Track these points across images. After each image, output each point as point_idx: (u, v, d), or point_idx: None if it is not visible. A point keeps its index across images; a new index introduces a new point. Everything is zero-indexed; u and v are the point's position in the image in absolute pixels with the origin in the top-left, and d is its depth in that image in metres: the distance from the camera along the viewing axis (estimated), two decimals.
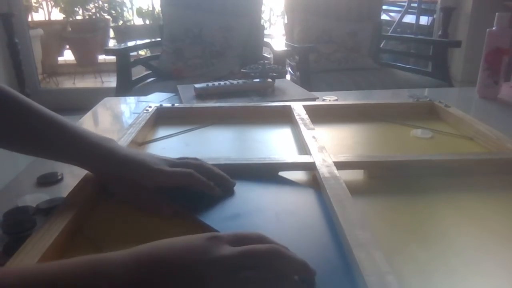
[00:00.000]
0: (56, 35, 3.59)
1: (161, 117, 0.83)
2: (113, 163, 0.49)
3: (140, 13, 3.56)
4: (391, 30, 3.26)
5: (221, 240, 0.34)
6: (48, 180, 0.58)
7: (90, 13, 3.58)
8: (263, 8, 2.35)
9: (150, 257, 0.32)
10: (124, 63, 1.87)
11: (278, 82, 1.08)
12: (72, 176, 0.59)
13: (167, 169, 0.48)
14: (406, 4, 3.29)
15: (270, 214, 0.46)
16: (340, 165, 0.54)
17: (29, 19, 3.42)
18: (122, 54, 1.87)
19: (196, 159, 0.53)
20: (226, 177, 0.51)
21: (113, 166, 0.49)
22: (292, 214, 0.46)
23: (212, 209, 0.47)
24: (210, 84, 1.01)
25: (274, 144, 0.70)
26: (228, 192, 0.50)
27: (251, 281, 0.31)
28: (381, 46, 2.41)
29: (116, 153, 0.49)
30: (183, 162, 0.51)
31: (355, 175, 0.57)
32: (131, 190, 0.48)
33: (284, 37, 2.41)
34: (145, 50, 2.92)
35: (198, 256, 0.32)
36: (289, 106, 0.83)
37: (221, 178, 0.51)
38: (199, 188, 0.48)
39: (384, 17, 3.27)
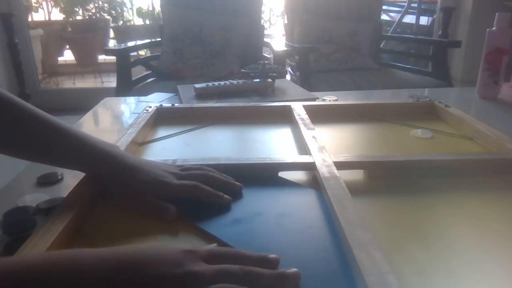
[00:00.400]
0: (56, 35, 3.59)
1: (161, 117, 0.83)
2: (119, 170, 0.49)
3: (140, 13, 3.56)
4: (391, 30, 3.27)
5: (196, 255, 0.34)
6: (48, 180, 0.58)
7: (90, 13, 3.58)
8: (263, 8, 2.35)
9: (125, 260, 0.32)
10: (124, 63, 1.87)
11: (278, 82, 1.08)
12: (72, 176, 0.59)
13: (174, 182, 0.48)
14: (406, 4, 3.30)
15: (270, 217, 0.46)
16: (340, 165, 0.54)
17: (29, 19, 3.42)
18: (122, 54, 1.87)
19: (200, 168, 0.52)
20: (231, 183, 0.51)
21: (119, 174, 0.49)
22: (292, 215, 0.46)
23: (212, 216, 0.46)
24: (210, 84, 1.01)
25: (274, 144, 0.70)
26: (236, 196, 0.50)
27: None
28: (381, 46, 2.41)
29: (123, 161, 0.49)
30: (188, 174, 0.51)
31: (355, 175, 0.57)
32: (135, 198, 0.48)
33: (284, 37, 2.41)
34: (145, 50, 2.92)
35: (172, 268, 0.32)
36: (289, 106, 0.83)
37: (227, 184, 0.51)
38: (207, 200, 0.48)
39: (384, 17, 3.27)
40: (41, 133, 0.48)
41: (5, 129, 0.47)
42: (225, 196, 0.49)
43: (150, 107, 0.83)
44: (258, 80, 1.05)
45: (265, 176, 0.55)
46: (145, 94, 1.10)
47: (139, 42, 2.14)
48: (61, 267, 0.30)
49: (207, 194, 0.48)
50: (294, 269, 0.35)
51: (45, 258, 0.31)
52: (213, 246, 0.40)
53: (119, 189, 0.49)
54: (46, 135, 0.48)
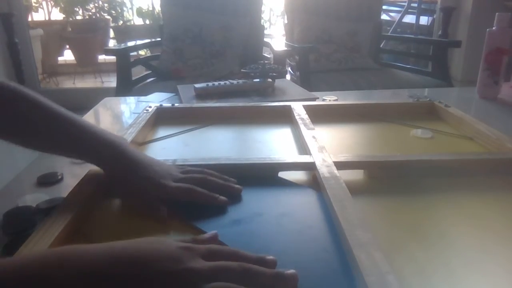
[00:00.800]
0: (56, 35, 3.59)
1: (161, 117, 0.83)
2: (120, 165, 0.49)
3: (140, 13, 3.56)
4: (391, 30, 3.26)
5: (194, 252, 0.34)
6: (48, 180, 0.58)
7: (90, 13, 3.57)
8: (263, 8, 2.35)
9: (123, 254, 0.32)
10: (124, 63, 1.87)
11: (278, 82, 1.08)
12: (72, 176, 0.59)
13: (171, 185, 0.49)
14: (406, 4, 3.29)
15: (270, 217, 0.46)
16: (340, 165, 0.54)
17: (29, 19, 3.42)
18: (122, 54, 1.87)
19: (201, 171, 0.52)
20: (230, 186, 0.51)
21: (119, 166, 0.49)
22: (292, 216, 0.46)
23: (212, 217, 0.46)
24: (210, 84, 1.01)
25: (274, 144, 0.70)
26: (235, 199, 0.50)
27: None
28: (381, 46, 2.41)
29: (125, 153, 0.50)
30: (187, 177, 0.51)
31: (355, 175, 0.57)
32: (131, 195, 0.49)
33: (284, 37, 2.41)
34: (145, 50, 2.92)
35: (170, 264, 0.32)
36: (289, 106, 0.83)
37: (225, 187, 0.51)
38: (202, 202, 0.48)
39: (384, 17, 3.27)
40: (42, 120, 0.49)
41: (6, 115, 0.48)
42: (220, 197, 0.48)
43: (150, 107, 0.83)
44: (258, 80, 1.05)
45: (265, 176, 0.55)
46: (145, 94, 1.10)
47: (139, 42, 2.14)
48: (60, 262, 0.30)
49: (201, 196, 0.48)
50: (292, 271, 0.35)
51: (45, 254, 0.31)
52: (213, 233, 0.40)
53: (117, 180, 0.50)
54: (46, 121, 0.49)
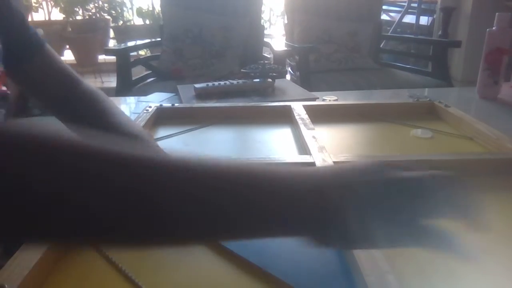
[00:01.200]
0: (56, 35, 3.58)
1: (161, 117, 0.83)
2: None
3: (140, 13, 3.56)
4: (391, 30, 3.26)
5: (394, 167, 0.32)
6: None
7: (90, 13, 3.57)
8: (263, 8, 2.35)
9: (333, 184, 0.30)
10: (124, 63, 1.87)
11: (278, 82, 1.08)
12: None
13: None
14: (406, 4, 3.29)
15: None
16: None
17: (29, 19, 3.42)
18: (122, 54, 1.87)
19: None
20: None
21: None
22: None
23: None
24: (210, 84, 1.01)
25: (274, 144, 0.70)
26: None
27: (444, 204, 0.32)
28: (381, 46, 2.41)
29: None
30: None
31: None
32: None
33: (284, 37, 2.41)
34: (145, 50, 2.92)
35: (381, 176, 0.30)
36: (289, 106, 0.83)
37: None
38: None
39: (384, 17, 3.27)
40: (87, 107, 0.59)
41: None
42: None
43: (150, 107, 0.83)
44: (258, 80, 1.05)
45: None
46: (145, 94, 1.10)
47: (139, 42, 2.14)
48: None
49: None
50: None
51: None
52: None
53: None
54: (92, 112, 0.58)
